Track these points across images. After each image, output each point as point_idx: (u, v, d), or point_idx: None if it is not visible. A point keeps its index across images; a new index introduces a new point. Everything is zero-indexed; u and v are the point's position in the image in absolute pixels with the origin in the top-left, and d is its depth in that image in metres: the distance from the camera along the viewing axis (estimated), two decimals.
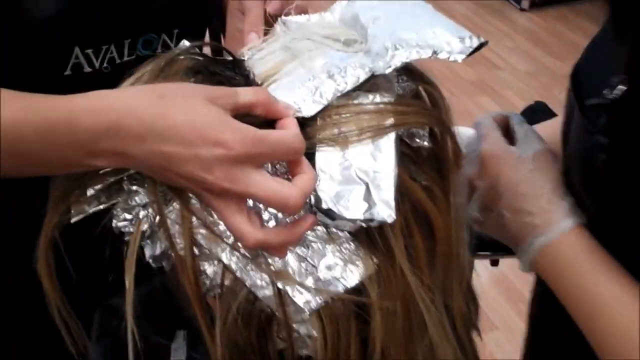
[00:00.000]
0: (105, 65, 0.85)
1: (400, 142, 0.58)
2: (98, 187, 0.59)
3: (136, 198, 0.59)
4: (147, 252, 0.59)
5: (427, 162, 0.60)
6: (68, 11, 0.79)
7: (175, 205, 0.57)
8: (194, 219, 0.57)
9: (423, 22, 0.63)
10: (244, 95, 0.55)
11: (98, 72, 0.84)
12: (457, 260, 0.62)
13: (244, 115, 0.55)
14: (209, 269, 0.58)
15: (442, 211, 0.59)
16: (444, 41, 0.59)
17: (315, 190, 0.54)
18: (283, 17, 0.66)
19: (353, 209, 0.53)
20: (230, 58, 0.65)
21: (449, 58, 0.58)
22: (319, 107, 0.57)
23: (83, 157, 0.54)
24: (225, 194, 0.52)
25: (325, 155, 0.56)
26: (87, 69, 0.84)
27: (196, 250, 0.58)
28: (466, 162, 0.70)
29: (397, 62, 0.58)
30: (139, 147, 0.52)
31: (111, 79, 0.84)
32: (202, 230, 0.57)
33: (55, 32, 0.80)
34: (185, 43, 0.65)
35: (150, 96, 0.53)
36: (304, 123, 0.57)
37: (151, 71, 0.61)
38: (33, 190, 0.76)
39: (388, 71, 0.58)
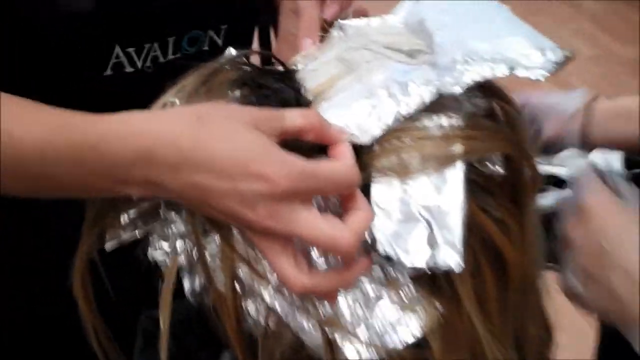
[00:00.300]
0: (148, 64, 0.79)
1: (469, 168, 0.51)
2: (133, 212, 0.54)
3: (173, 227, 0.53)
4: (186, 286, 0.54)
5: (500, 190, 0.53)
6: (107, 7, 0.74)
7: (216, 236, 0.51)
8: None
9: (498, 28, 0.55)
10: (292, 118, 0.49)
11: (140, 72, 0.79)
12: (532, 300, 0.55)
13: (292, 139, 0.49)
14: (251, 307, 0.53)
15: (516, 246, 0.52)
16: (521, 54, 0.52)
17: (370, 229, 0.48)
18: (340, 20, 0.60)
19: (414, 253, 0.47)
20: (281, 67, 0.58)
21: (527, 76, 0.51)
22: (377, 133, 0.50)
23: (112, 184, 0.49)
24: (269, 232, 0.46)
25: (383, 188, 0.49)
26: (129, 69, 0.79)
27: (238, 287, 0.52)
28: (562, 213, 0.60)
29: (467, 80, 0.50)
30: (173, 177, 0.47)
31: (154, 79, 0.79)
32: (245, 267, 0.51)
33: (93, 29, 0.75)
34: (232, 51, 0.59)
35: (188, 118, 0.47)
36: (359, 149, 0.50)
37: (194, 82, 0.55)
38: (33, 209, 0.71)
39: (456, 90, 0.50)
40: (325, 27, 0.60)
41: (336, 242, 0.45)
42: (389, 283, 0.49)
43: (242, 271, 0.52)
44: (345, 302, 0.49)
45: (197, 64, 0.81)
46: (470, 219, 0.50)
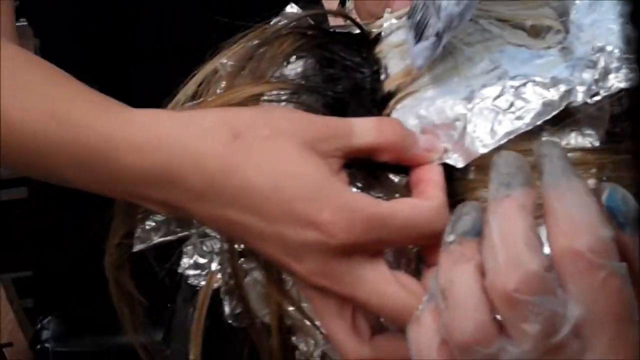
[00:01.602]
0: None
1: None
2: (161, 218, 0.44)
3: (208, 243, 0.43)
4: (226, 309, 0.44)
5: None
6: None
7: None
8: None
9: None
10: (363, 134, 0.36)
11: None
12: None
13: None
14: (301, 343, 0.43)
15: None
16: None
17: None
18: None
19: None
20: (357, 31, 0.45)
21: None
22: (478, 153, 0.37)
23: (127, 196, 0.40)
24: (321, 290, 0.35)
25: None
26: None
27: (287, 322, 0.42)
28: None
29: (611, 86, 0.36)
30: (199, 206, 0.36)
31: (204, 4, 0.66)
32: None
33: None
34: (293, 9, 0.45)
35: (222, 134, 0.35)
36: (450, 172, 0.37)
37: (240, 56, 0.42)
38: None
39: (594, 101, 0.36)
40: None
41: (408, 317, 0.34)
42: None
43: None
44: None
45: None
46: None
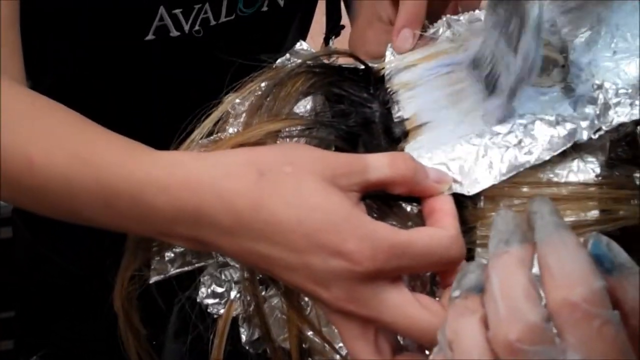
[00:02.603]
0: (196, 28, 0.68)
1: None
2: (179, 250, 0.45)
3: (227, 272, 0.45)
4: (243, 336, 0.46)
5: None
6: None
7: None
8: None
9: None
10: (377, 170, 0.38)
11: (188, 37, 0.68)
12: None
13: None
14: None
15: None
16: None
17: None
18: (450, 15, 0.48)
19: None
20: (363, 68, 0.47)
21: None
22: (487, 184, 0.39)
23: (152, 234, 0.41)
24: (346, 314, 0.37)
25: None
26: (174, 33, 0.68)
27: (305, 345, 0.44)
28: None
29: (612, 121, 0.39)
30: (226, 241, 0.38)
31: (203, 45, 0.69)
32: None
33: None
34: (303, 46, 0.48)
35: (248, 173, 0.37)
36: (462, 202, 0.40)
37: (256, 96, 0.45)
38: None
39: (597, 135, 0.39)
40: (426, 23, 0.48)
41: (432, 335, 0.36)
42: None
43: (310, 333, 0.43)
44: None
45: (253, 28, 0.71)
46: None
